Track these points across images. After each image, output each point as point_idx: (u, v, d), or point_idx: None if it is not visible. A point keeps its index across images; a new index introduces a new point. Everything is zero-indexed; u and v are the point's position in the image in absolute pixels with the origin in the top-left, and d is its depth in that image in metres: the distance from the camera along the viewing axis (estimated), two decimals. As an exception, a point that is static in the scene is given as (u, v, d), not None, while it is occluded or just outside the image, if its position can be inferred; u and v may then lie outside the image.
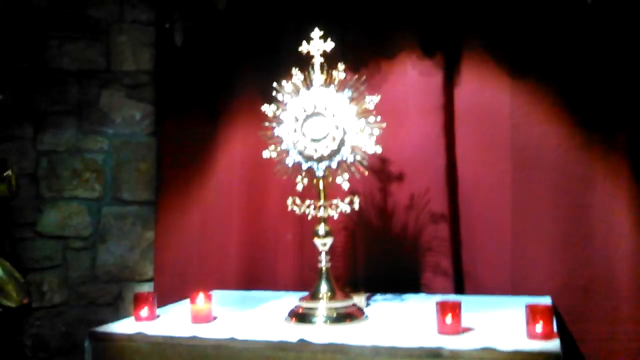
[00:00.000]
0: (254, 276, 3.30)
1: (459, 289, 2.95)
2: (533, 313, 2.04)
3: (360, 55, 3.04)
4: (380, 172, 3.08)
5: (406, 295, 2.89)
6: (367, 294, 2.74)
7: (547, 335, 2.01)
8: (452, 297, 2.57)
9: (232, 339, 2.21)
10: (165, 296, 2.98)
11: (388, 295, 2.87)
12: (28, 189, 3.39)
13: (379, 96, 2.42)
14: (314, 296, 2.44)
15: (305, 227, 2.97)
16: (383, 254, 3.07)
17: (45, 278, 3.40)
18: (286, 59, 2.93)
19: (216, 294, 2.99)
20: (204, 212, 3.42)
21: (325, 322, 2.35)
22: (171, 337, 2.29)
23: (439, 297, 2.50)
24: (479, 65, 2.96)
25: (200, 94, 3.45)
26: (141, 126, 3.52)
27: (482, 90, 2.96)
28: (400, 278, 3.01)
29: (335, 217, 2.50)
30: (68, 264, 3.44)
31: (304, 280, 3.07)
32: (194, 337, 2.25)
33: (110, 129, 3.50)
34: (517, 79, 2.90)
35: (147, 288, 3.48)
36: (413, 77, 3.03)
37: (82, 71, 3.49)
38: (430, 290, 2.94)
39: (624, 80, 2.78)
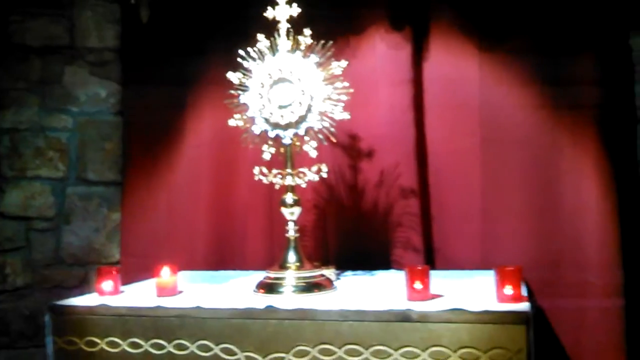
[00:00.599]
0: (223, 256, 3.23)
1: (430, 265, 2.88)
2: (502, 276, 2.01)
3: (327, 29, 2.97)
4: (349, 148, 3.04)
5: (377, 271, 2.85)
6: (337, 270, 2.68)
7: (516, 298, 1.98)
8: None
9: (198, 308, 2.15)
10: (133, 279, 2.89)
11: (358, 272, 2.83)
12: (-12, 168, 3.29)
13: (347, 62, 2.38)
14: (282, 266, 2.39)
15: (275, 206, 2.87)
16: (353, 231, 3.03)
17: (7, 260, 3.31)
18: (256, 30, 2.87)
19: (184, 274, 2.94)
20: (172, 192, 3.34)
21: (294, 291, 2.30)
22: (135, 308, 2.23)
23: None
24: (448, 37, 2.93)
25: (167, 71, 3.35)
26: (107, 104, 3.43)
27: (451, 63, 2.93)
28: (371, 255, 2.97)
29: (304, 185, 2.45)
30: (31, 246, 3.35)
31: (275, 259, 3.01)
32: (158, 307, 2.20)
33: (75, 107, 3.41)
34: (485, 51, 2.88)
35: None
36: (381, 50, 2.99)
37: (45, 47, 3.40)
38: (401, 267, 2.88)
39: (591, 50, 2.77)
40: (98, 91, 3.44)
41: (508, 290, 1.97)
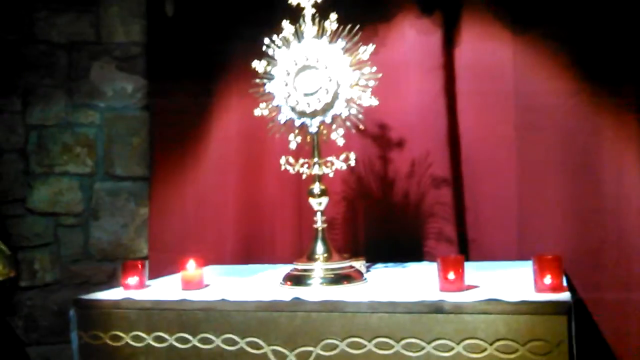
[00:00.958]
0: (252, 250, 3.18)
1: (464, 256, 2.79)
2: (541, 265, 1.91)
3: (354, 16, 2.89)
4: (379, 138, 2.96)
5: (408, 263, 2.76)
6: (367, 262, 2.59)
7: (556, 288, 1.88)
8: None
9: (223, 301, 2.09)
10: (161, 273, 2.87)
11: (389, 264, 2.75)
12: (17, 165, 3.30)
13: (374, 45, 2.30)
14: (310, 258, 2.32)
15: (304, 198, 2.82)
16: (384, 222, 2.95)
17: (36, 256, 3.30)
18: (281, 17, 2.80)
19: (212, 268, 2.91)
20: (200, 186, 3.30)
21: (322, 283, 2.23)
22: (159, 301, 2.18)
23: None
24: (480, 21, 2.82)
25: (194, 64, 3.31)
26: (133, 99, 3.41)
27: (484, 47, 2.83)
28: (402, 247, 2.89)
29: (331, 174, 2.38)
30: (60, 242, 3.34)
31: (304, 252, 2.94)
32: (183, 301, 2.14)
33: (101, 103, 3.39)
34: (519, 35, 2.77)
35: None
36: (411, 36, 2.90)
37: (71, 43, 3.38)
38: (434, 259, 2.77)
39: (633, 32, 2.63)
40: (125, 86, 3.41)
41: (547, 279, 1.86)
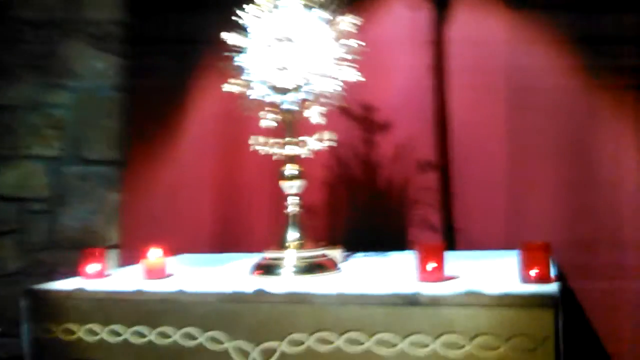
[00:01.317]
0: (228, 238, 3.00)
1: (450, 246, 2.63)
2: (528, 254, 1.74)
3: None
4: (363, 119, 2.78)
5: (390, 252, 2.58)
6: (346, 251, 2.42)
7: (543, 279, 1.70)
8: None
9: (181, 292, 1.92)
10: (132, 263, 2.69)
11: (370, 253, 2.57)
12: (-19, 147, 3.12)
13: (359, 18, 2.11)
14: (281, 245, 2.14)
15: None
16: (366, 209, 2.79)
17: (0, 243, 3.11)
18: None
19: (185, 257, 2.74)
20: (175, 171, 3.11)
21: (293, 273, 2.05)
22: (114, 292, 2.00)
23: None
24: (473, -5, 2.65)
25: (171, 42, 3.12)
26: (107, 79, 3.22)
27: (476, 22, 2.65)
28: (385, 235, 2.72)
29: (303, 155, 2.20)
30: (25, 229, 3.17)
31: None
32: (139, 291, 1.97)
33: (73, 82, 3.21)
34: (514, 9, 2.60)
35: (112, 255, 3.17)
36: (399, 10, 2.73)
37: (41, 20, 3.20)
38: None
39: (634, 6, 2.45)
40: (98, 65, 3.23)
41: (533, 270, 1.68)
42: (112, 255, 3.19)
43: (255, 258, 2.36)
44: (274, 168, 2.71)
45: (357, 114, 2.77)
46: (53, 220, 3.18)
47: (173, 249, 2.90)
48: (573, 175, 2.54)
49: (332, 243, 2.70)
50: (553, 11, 2.57)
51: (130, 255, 3.03)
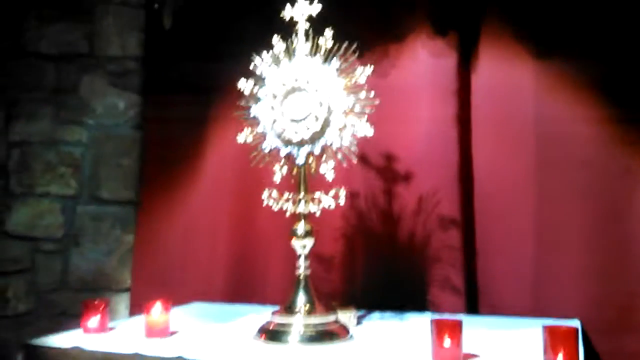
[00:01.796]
0: (241, 287, 2.89)
1: (472, 308, 2.50)
2: (553, 338, 1.58)
3: (363, 33, 2.63)
4: (384, 170, 2.67)
5: (408, 314, 2.45)
6: (358, 311, 2.29)
7: (571, 366, 1.55)
8: (460, 317, 2.13)
9: (179, 359, 1.80)
10: (144, 306, 2.59)
11: (386, 314, 2.44)
12: (-4, 183, 3.08)
13: (372, 67, 2.01)
14: (289, 309, 2.02)
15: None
16: (385, 265, 2.65)
17: (10, 283, 3.06)
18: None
19: (196, 306, 2.64)
20: (190, 214, 3.03)
21: (301, 341, 1.92)
22: (110, 354, 1.89)
23: (447, 317, 2.06)
24: (498, 42, 2.53)
25: (191, 81, 3.05)
26: (125, 117, 3.16)
27: (502, 71, 2.53)
28: (404, 293, 2.58)
29: (318, 213, 2.08)
30: (37, 269, 3.09)
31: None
32: (136, 355, 1.85)
33: (90, 120, 3.16)
34: (542, 59, 2.48)
35: (124, 298, 3.11)
36: (423, 58, 2.62)
37: (61, 55, 3.16)
38: (438, 309, 2.50)
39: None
40: (116, 102, 3.17)
41: (560, 357, 1.53)
42: (124, 299, 3.12)
43: (266, 314, 2.25)
44: (289, 218, 2.63)
45: (377, 164, 2.66)
46: (65, 261, 3.10)
47: (185, 296, 2.85)
48: (606, 234, 2.38)
49: (346, 299, 2.60)
50: (583, 60, 2.43)
51: (142, 299, 2.97)
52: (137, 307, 2.75)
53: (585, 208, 2.40)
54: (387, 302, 2.53)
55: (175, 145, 3.04)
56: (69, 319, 2.99)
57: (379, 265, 2.66)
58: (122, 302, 3.11)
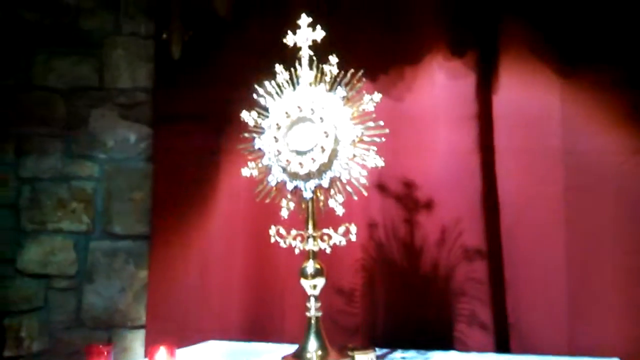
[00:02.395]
0: (258, 325, 2.76)
1: (502, 347, 2.33)
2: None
3: (376, 58, 2.52)
4: (404, 198, 2.53)
5: (433, 352, 2.29)
6: (377, 353, 2.14)
7: None
8: (491, 357, 1.98)
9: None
10: (159, 344, 2.49)
11: (409, 353, 2.28)
12: (7, 221, 3.02)
13: (380, 95, 1.88)
14: (300, 356, 1.88)
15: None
16: (407, 299, 2.50)
17: (23, 322, 2.99)
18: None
19: (211, 344, 2.54)
20: (204, 248, 2.91)
21: (312, 391, 1.79)
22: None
23: (475, 356, 1.92)
24: (522, 63, 2.38)
25: (203, 113, 2.97)
26: (136, 150, 3.09)
27: (525, 94, 2.38)
28: (428, 330, 2.43)
29: (328, 250, 1.95)
30: (50, 307, 3.01)
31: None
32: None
33: (102, 154, 3.09)
34: (568, 78, 2.33)
35: (140, 335, 3.01)
36: (440, 81, 2.48)
37: (71, 89, 3.11)
38: (465, 347, 2.35)
39: None
40: (127, 135, 3.10)
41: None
42: (139, 336, 3.02)
43: (279, 354, 2.12)
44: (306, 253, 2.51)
45: (396, 192, 2.53)
46: (79, 298, 3.02)
47: (201, 333, 2.74)
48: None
49: (367, 335, 2.46)
50: (613, 79, 2.28)
51: (157, 336, 2.87)
52: (152, 345, 2.64)
53: (621, 236, 2.24)
54: (410, 340, 2.39)
55: (187, 178, 2.95)
56: (84, 357, 2.91)
57: (401, 299, 2.52)
58: (138, 339, 3.02)
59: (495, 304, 2.36)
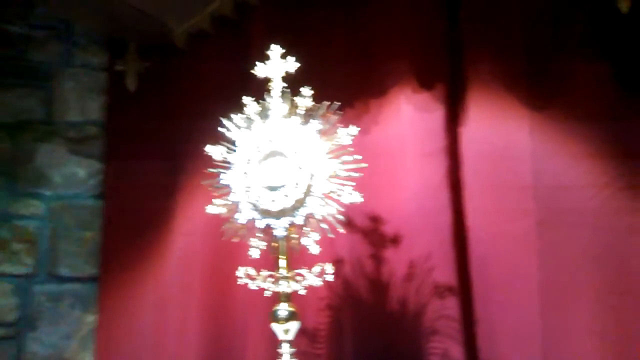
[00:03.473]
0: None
1: None
2: None
3: (342, 88, 2.46)
4: (371, 233, 2.46)
5: (405, 394, 2.21)
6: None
7: None
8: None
9: None
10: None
11: (381, 396, 2.19)
12: (-57, 265, 2.79)
13: (358, 128, 1.82)
14: (274, 405, 1.76)
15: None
16: (376, 339, 2.41)
17: (-44, 376, 2.75)
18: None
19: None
20: (159, 292, 2.76)
21: None
22: None
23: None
24: (489, 95, 2.38)
25: (157, 147, 2.86)
26: (86, 186, 2.92)
27: (495, 127, 2.37)
28: (399, 371, 2.33)
29: (302, 291, 1.85)
30: (-12, 358, 2.78)
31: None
32: None
33: (48, 190, 2.91)
34: (538, 110, 2.33)
35: (88, 385, 2.80)
36: (408, 113, 2.45)
37: (16, 123, 2.93)
38: None
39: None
40: (76, 171, 2.94)
41: None
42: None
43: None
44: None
45: (362, 227, 2.46)
46: (20, 348, 2.80)
47: None
48: (618, 302, 2.20)
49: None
50: (584, 112, 2.29)
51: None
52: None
53: (597, 271, 2.22)
54: (380, 381, 2.29)
55: (140, 216, 2.82)
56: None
57: (369, 339, 2.43)
58: (87, 389, 2.81)
59: (467, 341, 2.31)
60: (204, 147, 2.40)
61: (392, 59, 2.48)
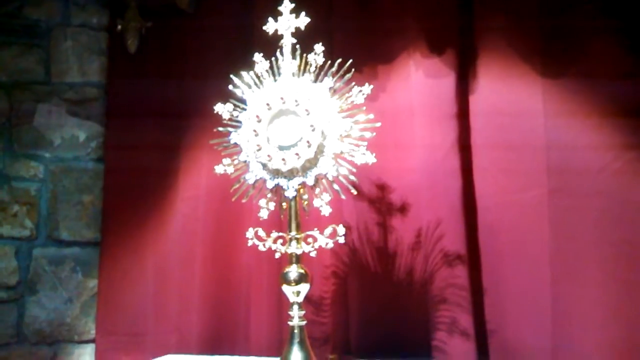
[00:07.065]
0: (221, 336, 2.60)
1: (483, 354, 2.24)
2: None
3: (349, 52, 2.39)
4: (378, 201, 2.43)
5: (412, 362, 2.19)
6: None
7: None
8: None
9: None
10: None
11: (387, 363, 2.17)
12: (-58, 226, 2.75)
13: (371, 86, 1.76)
14: (282, 368, 1.74)
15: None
16: (383, 307, 2.40)
17: (-42, 339, 2.72)
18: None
19: (170, 359, 2.34)
20: (161, 255, 2.74)
21: (298, 406, 1.64)
22: None
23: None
24: (501, 60, 2.33)
25: (160, 110, 2.79)
26: (86, 149, 2.87)
27: (506, 93, 2.33)
28: (406, 339, 2.34)
29: (313, 253, 1.81)
30: (-11, 321, 2.75)
31: (284, 342, 2.37)
32: None
33: (47, 153, 2.86)
34: (551, 77, 2.27)
35: (89, 350, 2.79)
36: (417, 79, 2.40)
37: (13, 82, 2.87)
38: (445, 356, 2.27)
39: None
40: (76, 133, 2.88)
41: None
42: (88, 351, 2.79)
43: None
44: (273, 258, 2.36)
45: (370, 194, 2.42)
46: (21, 311, 2.78)
47: (157, 347, 2.57)
48: (628, 270, 2.17)
49: (340, 346, 2.33)
50: (599, 76, 2.24)
51: (108, 351, 2.67)
52: (102, 360, 2.45)
53: (604, 240, 2.20)
54: (387, 349, 2.29)
55: (142, 178, 2.77)
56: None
57: (376, 307, 2.41)
58: (87, 355, 2.80)
59: (475, 310, 2.28)
60: (209, 108, 2.37)
61: (401, 23, 2.42)
